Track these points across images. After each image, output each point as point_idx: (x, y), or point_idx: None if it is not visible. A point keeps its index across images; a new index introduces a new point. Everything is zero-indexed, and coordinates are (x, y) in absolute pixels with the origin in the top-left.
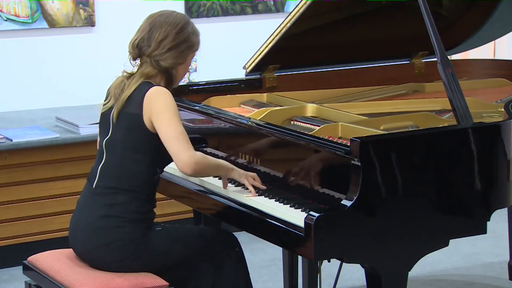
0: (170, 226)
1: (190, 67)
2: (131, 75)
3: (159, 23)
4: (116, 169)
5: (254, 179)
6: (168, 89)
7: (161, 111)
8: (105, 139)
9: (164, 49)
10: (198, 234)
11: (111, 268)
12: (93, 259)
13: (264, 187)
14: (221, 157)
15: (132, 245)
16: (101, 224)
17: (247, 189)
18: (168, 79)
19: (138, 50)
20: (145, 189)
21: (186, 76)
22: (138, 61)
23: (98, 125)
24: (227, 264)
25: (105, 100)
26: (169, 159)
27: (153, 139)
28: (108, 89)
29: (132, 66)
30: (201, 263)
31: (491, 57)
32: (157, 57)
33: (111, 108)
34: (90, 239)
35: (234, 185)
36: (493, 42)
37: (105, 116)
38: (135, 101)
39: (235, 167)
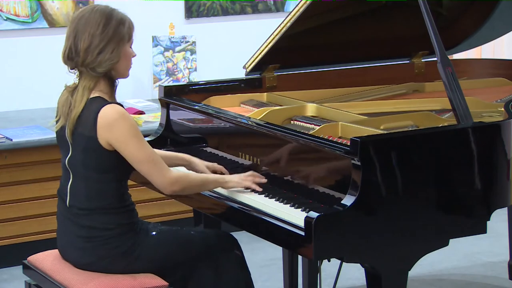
0: (167, 229)
1: (190, 66)
2: (74, 89)
3: (81, 28)
4: (84, 191)
5: (253, 176)
6: (115, 93)
7: (124, 139)
8: (67, 159)
9: (94, 54)
10: (197, 237)
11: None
12: (89, 271)
13: (265, 180)
14: (221, 157)
15: (124, 256)
16: (86, 244)
17: (248, 188)
18: (111, 80)
19: (70, 62)
20: (118, 202)
21: (186, 73)
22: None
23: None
24: (227, 266)
25: (56, 117)
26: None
27: (113, 157)
28: (57, 105)
29: (73, 74)
30: (200, 266)
31: (491, 57)
32: (91, 65)
33: (63, 127)
34: (80, 257)
35: None
36: (493, 41)
37: (60, 135)
38: (87, 122)
39: (229, 178)
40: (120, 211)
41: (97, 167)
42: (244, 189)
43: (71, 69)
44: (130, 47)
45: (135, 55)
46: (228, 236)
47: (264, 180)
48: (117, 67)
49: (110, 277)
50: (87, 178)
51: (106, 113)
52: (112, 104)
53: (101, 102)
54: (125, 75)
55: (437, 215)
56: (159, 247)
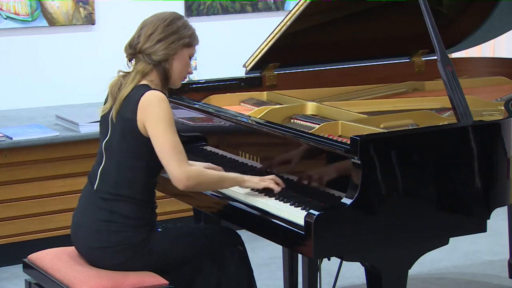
0: (171, 226)
1: (191, 68)
2: (127, 74)
3: (150, 21)
4: (114, 175)
5: (272, 179)
6: (165, 90)
7: (156, 120)
8: (105, 141)
9: (153, 41)
10: (200, 233)
11: (112, 268)
12: (94, 259)
13: (283, 186)
14: (221, 155)
15: (134, 248)
16: (103, 227)
17: (254, 190)
18: (164, 74)
19: (130, 49)
20: (144, 195)
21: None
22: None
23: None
24: (230, 262)
25: (105, 101)
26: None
27: (148, 144)
28: (108, 88)
29: (129, 68)
30: (204, 262)
31: (491, 55)
32: (148, 50)
33: (110, 108)
34: (92, 240)
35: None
36: (493, 40)
37: (104, 117)
38: (130, 104)
39: (248, 177)
40: (143, 204)
41: (131, 152)
42: (249, 190)
43: (129, 59)
44: (189, 58)
45: (191, 72)
46: (231, 231)
47: (278, 189)
48: (172, 63)
49: (111, 276)
50: (119, 163)
51: (148, 95)
52: (156, 90)
53: (148, 88)
54: (176, 82)
55: (437, 213)
56: (163, 244)
